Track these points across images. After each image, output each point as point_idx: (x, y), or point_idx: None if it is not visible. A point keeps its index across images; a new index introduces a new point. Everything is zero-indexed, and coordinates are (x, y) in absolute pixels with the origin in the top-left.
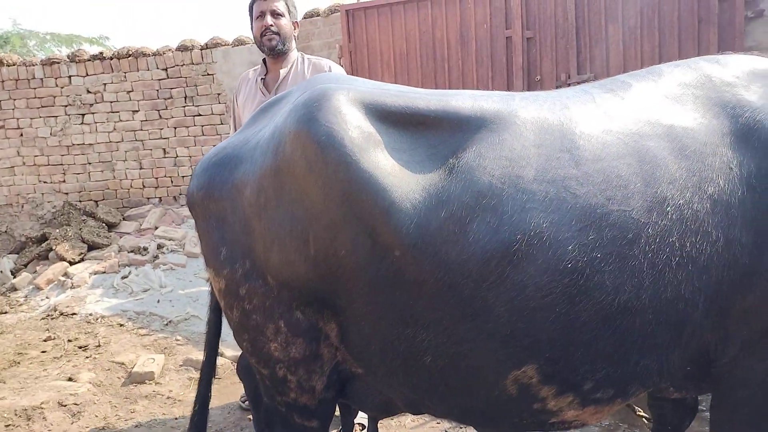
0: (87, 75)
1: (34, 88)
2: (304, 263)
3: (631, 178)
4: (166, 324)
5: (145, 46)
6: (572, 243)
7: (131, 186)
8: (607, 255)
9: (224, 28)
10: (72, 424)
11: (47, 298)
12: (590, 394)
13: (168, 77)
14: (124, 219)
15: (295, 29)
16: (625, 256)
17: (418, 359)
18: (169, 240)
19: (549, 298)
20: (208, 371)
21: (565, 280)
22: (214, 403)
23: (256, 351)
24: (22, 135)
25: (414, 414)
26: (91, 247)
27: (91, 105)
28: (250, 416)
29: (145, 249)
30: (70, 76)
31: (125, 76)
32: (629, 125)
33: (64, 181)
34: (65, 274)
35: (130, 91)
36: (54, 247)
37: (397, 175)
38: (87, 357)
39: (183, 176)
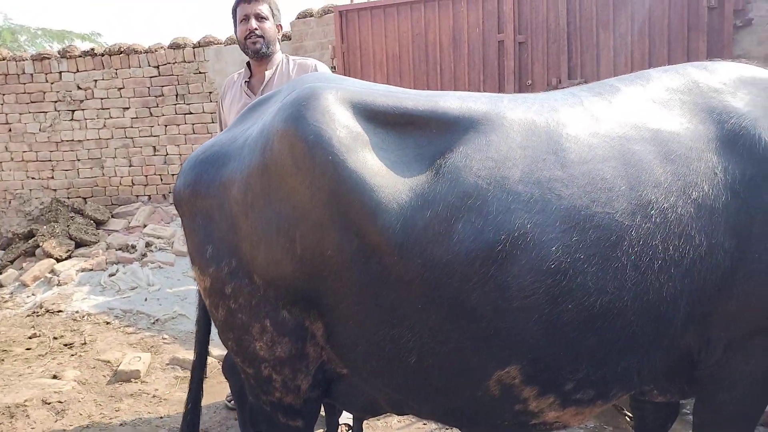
0: (78, 71)
1: (24, 84)
2: (290, 262)
3: (616, 181)
4: (153, 322)
5: (137, 44)
6: (556, 244)
7: (120, 183)
8: (590, 256)
9: (217, 27)
10: (56, 422)
11: (33, 294)
12: (571, 394)
13: (159, 75)
14: (112, 216)
15: (279, 32)
16: (608, 258)
17: (403, 359)
18: (158, 238)
19: (532, 299)
20: (199, 370)
21: (548, 281)
22: None
23: (241, 350)
24: (10, 130)
25: (398, 414)
26: (79, 244)
27: (81, 101)
28: (236, 416)
29: (134, 247)
30: (60, 72)
31: (116, 73)
32: (616, 129)
33: (52, 178)
34: (52, 271)
35: (120, 88)
36: (41, 244)
37: (384, 175)
38: (72, 355)
39: (173, 174)
